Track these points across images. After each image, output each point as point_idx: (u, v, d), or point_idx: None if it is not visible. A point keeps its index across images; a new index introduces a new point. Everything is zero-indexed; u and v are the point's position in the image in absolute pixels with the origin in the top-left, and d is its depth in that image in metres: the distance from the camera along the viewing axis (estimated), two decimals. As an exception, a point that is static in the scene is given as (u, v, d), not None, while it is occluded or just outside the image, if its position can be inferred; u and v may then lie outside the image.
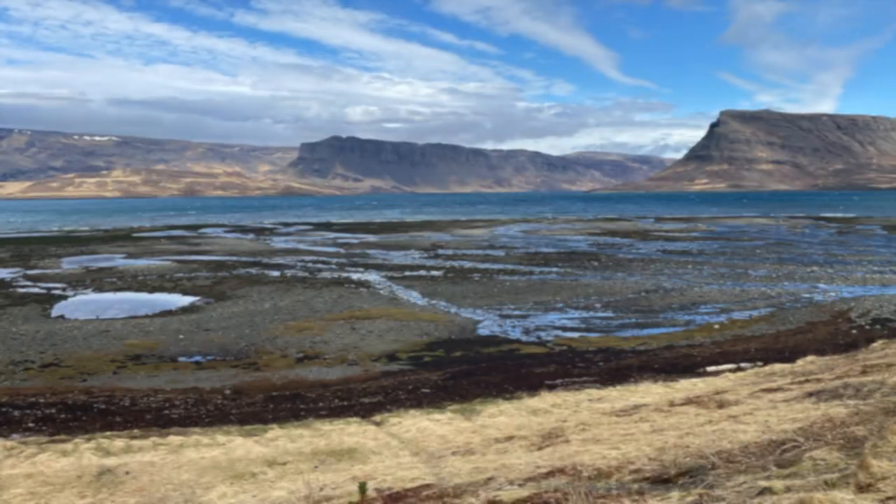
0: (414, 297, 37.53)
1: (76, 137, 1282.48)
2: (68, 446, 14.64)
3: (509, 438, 13.46)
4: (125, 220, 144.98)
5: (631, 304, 34.81)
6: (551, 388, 19.26)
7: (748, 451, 8.57)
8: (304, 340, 27.40)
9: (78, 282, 44.15)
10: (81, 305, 35.91)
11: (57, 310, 34.39)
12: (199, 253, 63.54)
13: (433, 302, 35.85)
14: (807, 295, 36.05)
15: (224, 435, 15.42)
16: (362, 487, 8.98)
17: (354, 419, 16.72)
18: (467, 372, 22.37)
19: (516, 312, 32.98)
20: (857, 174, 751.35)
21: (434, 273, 47.21)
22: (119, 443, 14.88)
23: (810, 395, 12.23)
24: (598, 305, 34.49)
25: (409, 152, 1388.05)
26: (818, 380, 14.01)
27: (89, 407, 19.06)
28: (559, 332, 28.62)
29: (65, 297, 38.27)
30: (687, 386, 17.56)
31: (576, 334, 28.29)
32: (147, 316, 32.41)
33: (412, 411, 17.18)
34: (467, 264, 52.12)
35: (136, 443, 14.90)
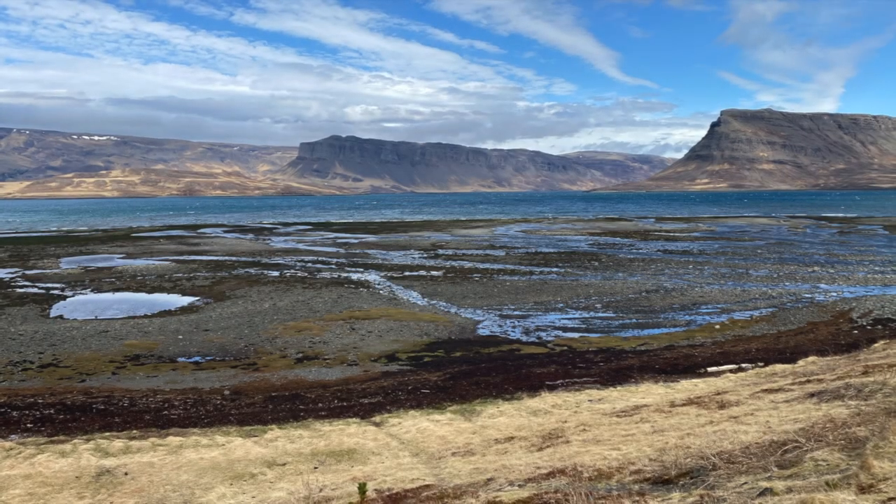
0: (414, 297, 37.49)
1: (75, 137, 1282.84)
2: (67, 447, 14.59)
3: (509, 439, 13.42)
4: (124, 220, 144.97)
5: (631, 304, 34.76)
6: (552, 388, 19.21)
7: (749, 452, 8.53)
8: (303, 341, 27.36)
9: (77, 282, 44.11)
10: (80, 305, 35.87)
11: (55, 310, 34.35)
12: (198, 253, 63.50)
13: (433, 302, 35.81)
14: (808, 295, 36.01)
15: (223, 436, 15.38)
16: (362, 488, 8.94)
17: (354, 420, 16.67)
18: (467, 372, 22.32)
19: (516, 313, 32.93)
20: (858, 174, 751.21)
21: (434, 273, 47.16)
22: (118, 443, 14.83)
23: (812, 395, 12.19)
24: (598, 306, 34.44)
25: (409, 152, 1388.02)
26: (819, 380, 13.96)
27: (88, 407, 19.01)
28: (559, 333, 28.58)
29: (63, 298, 38.22)
30: (688, 386, 17.51)
31: (576, 335, 28.25)
32: (146, 316, 32.37)
33: (412, 412, 17.14)
34: (467, 264, 52.08)
35: (134, 443, 14.85)
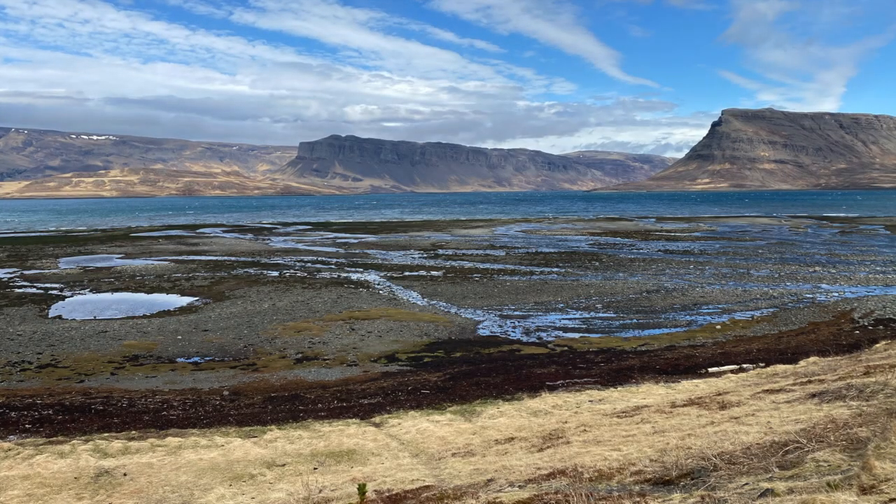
0: (414, 297, 37.45)
1: (73, 136, 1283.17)
2: (66, 448, 14.55)
3: (510, 440, 13.38)
4: (123, 220, 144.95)
5: (632, 304, 34.72)
6: (552, 389, 19.17)
7: (750, 453, 8.51)
8: (302, 341, 27.31)
9: (75, 282, 44.07)
10: (79, 306, 35.83)
11: (54, 310, 34.30)
12: (197, 253, 63.46)
13: (433, 302, 35.77)
14: (809, 295, 35.97)
15: (222, 436, 15.33)
16: (362, 489, 8.90)
17: (354, 420, 16.63)
18: (467, 373, 22.28)
19: (517, 313, 32.89)
20: (859, 173, 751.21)
21: (434, 273, 47.12)
22: (117, 444, 14.79)
23: (813, 396, 12.15)
24: (599, 306, 34.40)
25: (409, 151, 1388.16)
26: (821, 381, 13.92)
27: (87, 408, 18.97)
28: (560, 333, 28.54)
29: (62, 298, 38.18)
30: (688, 387, 17.47)
31: (577, 335, 28.21)
32: (145, 316, 32.32)
33: (412, 412, 17.10)
34: (467, 264, 52.04)
35: (133, 444, 14.81)
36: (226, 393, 20.53)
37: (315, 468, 12.83)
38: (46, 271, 49.96)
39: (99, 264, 54.16)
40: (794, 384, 14.39)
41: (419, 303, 35.63)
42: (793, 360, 20.54)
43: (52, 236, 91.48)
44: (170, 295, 38.84)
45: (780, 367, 18.77)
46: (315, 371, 23.07)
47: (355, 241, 78.89)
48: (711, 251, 60.89)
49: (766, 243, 68.68)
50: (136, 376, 22.60)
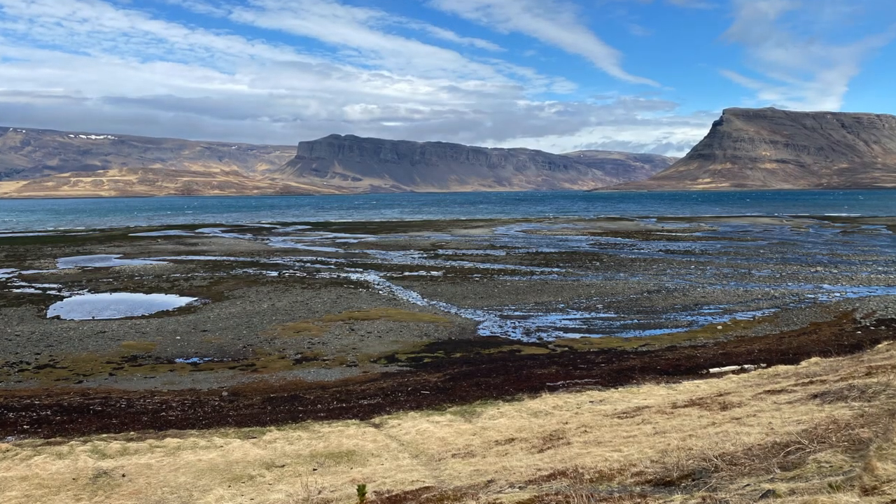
0: (413, 297, 37.40)
1: (72, 136, 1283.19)
2: (64, 448, 14.49)
3: (510, 441, 13.32)
4: (121, 220, 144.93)
5: (633, 304, 34.67)
6: (552, 389, 19.11)
7: (751, 454, 8.46)
8: (302, 341, 27.26)
9: (74, 282, 44.01)
10: (77, 306, 35.77)
11: (52, 310, 34.25)
12: (196, 253, 63.42)
13: (433, 302, 35.72)
14: (811, 295, 35.92)
15: (221, 437, 15.28)
16: (361, 490, 8.85)
17: (353, 421, 16.57)
18: (467, 373, 22.22)
19: (517, 313, 32.84)
20: (861, 173, 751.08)
21: (434, 273, 47.08)
22: (115, 445, 14.73)
23: (814, 396, 12.09)
24: (599, 306, 34.35)
25: (409, 151, 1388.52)
26: (822, 381, 13.87)
27: (85, 409, 18.91)
28: (560, 333, 28.49)
29: (60, 298, 38.13)
30: (690, 387, 17.42)
31: (577, 335, 28.16)
32: (143, 317, 32.27)
33: (412, 413, 17.04)
34: (467, 264, 52.00)
35: (132, 445, 14.75)
36: (225, 394, 20.48)
37: (314, 469, 12.78)
38: (44, 271, 49.91)
39: (97, 264, 54.12)
40: (795, 385, 14.34)
41: (419, 303, 35.58)
42: (794, 360, 20.49)
43: (51, 236, 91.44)
44: (168, 295, 38.79)
45: (781, 368, 18.72)
46: (314, 372, 23.02)
47: (355, 241, 78.86)
48: (713, 251, 60.86)
49: (768, 243, 68.65)
50: (135, 377, 22.55)
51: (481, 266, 50.85)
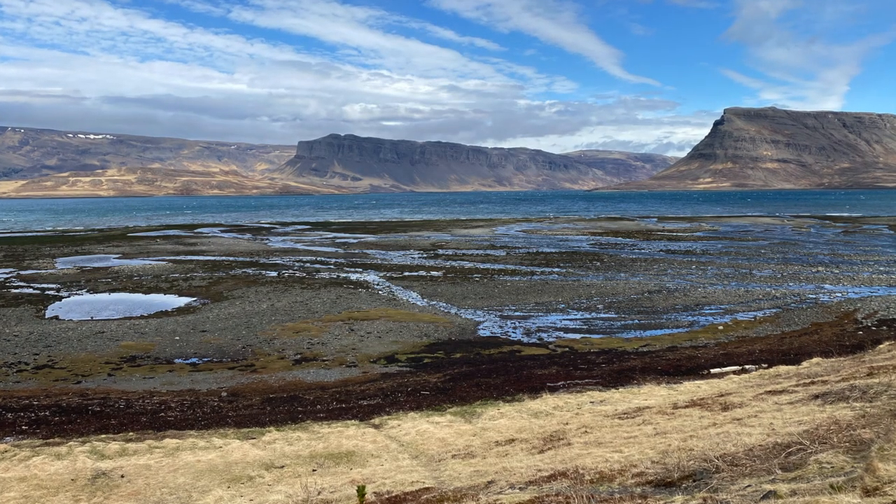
0: (413, 297, 37.36)
1: (70, 135, 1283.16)
2: (62, 449, 14.45)
3: (510, 441, 13.28)
4: (120, 220, 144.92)
5: (634, 304, 34.63)
6: (553, 390, 19.07)
7: (753, 455, 8.43)
8: (301, 342, 27.22)
9: (72, 282, 43.97)
10: (76, 306, 35.73)
11: (51, 311, 34.21)
12: (195, 253, 63.38)
13: (433, 303, 35.68)
14: (812, 296, 35.88)
15: (220, 438, 15.23)
16: (361, 491, 8.80)
17: (353, 422, 16.53)
18: (467, 374, 22.18)
19: (517, 313, 32.80)
20: (863, 173, 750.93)
21: (434, 273, 47.04)
22: (114, 446, 14.69)
23: (816, 397, 12.05)
24: (600, 306, 34.32)
25: (409, 151, 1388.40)
26: (824, 382, 13.82)
27: (84, 409, 18.86)
28: (561, 334, 28.45)
29: (59, 298, 38.09)
30: (690, 388, 17.37)
31: (578, 335, 28.12)
32: (142, 317, 32.23)
33: (412, 414, 16.99)
34: (467, 264, 51.96)
35: (131, 446, 14.71)
36: (224, 394, 20.44)
37: (314, 470, 12.74)
38: (43, 271, 49.87)
39: (96, 264, 54.08)
40: (796, 385, 14.30)
41: (419, 303, 35.54)
42: (796, 360, 20.44)
43: (49, 236, 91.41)
44: (167, 295, 38.75)
45: (782, 368, 18.67)
46: (314, 372, 22.98)
47: (354, 240, 78.82)
48: (714, 251, 60.82)
49: (769, 243, 68.62)
50: (134, 377, 22.50)
51: (481, 266, 50.81)
